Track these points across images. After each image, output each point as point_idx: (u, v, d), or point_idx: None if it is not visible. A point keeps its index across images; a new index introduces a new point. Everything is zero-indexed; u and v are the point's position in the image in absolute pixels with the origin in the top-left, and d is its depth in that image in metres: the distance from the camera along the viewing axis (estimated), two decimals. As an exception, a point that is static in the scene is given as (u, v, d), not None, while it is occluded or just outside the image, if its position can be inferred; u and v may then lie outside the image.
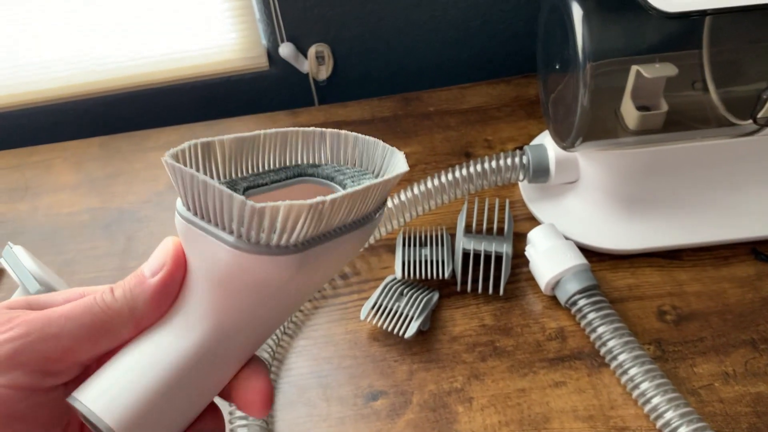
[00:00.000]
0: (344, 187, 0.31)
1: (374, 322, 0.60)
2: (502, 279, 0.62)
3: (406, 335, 0.58)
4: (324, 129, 0.33)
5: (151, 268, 0.28)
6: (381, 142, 0.32)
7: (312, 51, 0.88)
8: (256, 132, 0.30)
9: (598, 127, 0.59)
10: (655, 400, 0.52)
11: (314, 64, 0.89)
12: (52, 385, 0.27)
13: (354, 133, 0.33)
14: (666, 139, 0.59)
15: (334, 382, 0.59)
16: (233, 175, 0.30)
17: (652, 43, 0.61)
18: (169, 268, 0.28)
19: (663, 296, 0.62)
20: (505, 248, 0.62)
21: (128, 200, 0.79)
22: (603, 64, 0.55)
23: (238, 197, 0.24)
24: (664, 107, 0.59)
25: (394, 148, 0.32)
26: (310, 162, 0.33)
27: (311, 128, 0.33)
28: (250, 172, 0.31)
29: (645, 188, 0.64)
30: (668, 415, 0.51)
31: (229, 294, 0.27)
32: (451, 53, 0.93)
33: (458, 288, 0.64)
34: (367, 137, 0.32)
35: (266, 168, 0.32)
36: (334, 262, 0.29)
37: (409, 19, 0.88)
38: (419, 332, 0.61)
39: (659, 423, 0.52)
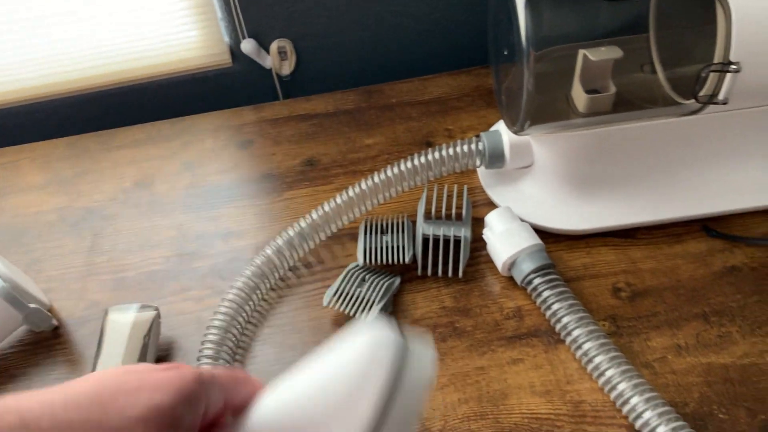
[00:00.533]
0: None
1: (337, 307, 0.62)
2: (461, 262, 0.64)
3: (368, 319, 0.60)
4: None
5: None
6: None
7: (274, 46, 0.89)
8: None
9: (547, 110, 0.61)
10: (609, 373, 0.54)
11: (277, 59, 0.90)
12: None
13: None
14: (614, 120, 0.61)
15: (298, 368, 0.60)
16: None
17: (601, 28, 0.63)
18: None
19: (618, 274, 0.64)
20: (464, 232, 0.64)
21: (95, 198, 0.80)
22: (547, 50, 0.57)
23: None
24: (612, 89, 0.60)
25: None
26: None
27: None
28: None
29: (598, 170, 0.66)
30: (621, 387, 0.53)
31: None
32: (413, 46, 0.95)
33: (419, 272, 0.65)
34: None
35: None
36: None
37: (370, 12, 0.90)
38: (381, 316, 0.62)
39: (613, 395, 0.54)
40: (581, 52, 0.59)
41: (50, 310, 0.67)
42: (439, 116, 0.84)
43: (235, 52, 0.91)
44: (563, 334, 0.57)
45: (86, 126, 0.90)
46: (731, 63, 0.53)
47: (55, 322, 0.65)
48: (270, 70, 0.92)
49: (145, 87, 0.93)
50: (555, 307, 0.58)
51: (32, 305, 0.62)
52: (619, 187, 0.67)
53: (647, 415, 0.51)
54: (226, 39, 0.89)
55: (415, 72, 0.92)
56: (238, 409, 0.29)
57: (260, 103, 0.89)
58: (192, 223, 0.75)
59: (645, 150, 0.65)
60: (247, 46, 0.88)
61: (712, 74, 0.55)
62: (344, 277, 0.63)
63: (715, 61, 0.54)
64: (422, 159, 0.67)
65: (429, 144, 0.81)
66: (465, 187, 0.68)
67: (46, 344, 0.65)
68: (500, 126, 0.70)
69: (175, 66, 0.91)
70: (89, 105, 0.94)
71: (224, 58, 0.91)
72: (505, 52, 0.61)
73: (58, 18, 0.85)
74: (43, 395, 0.25)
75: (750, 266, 0.63)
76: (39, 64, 0.89)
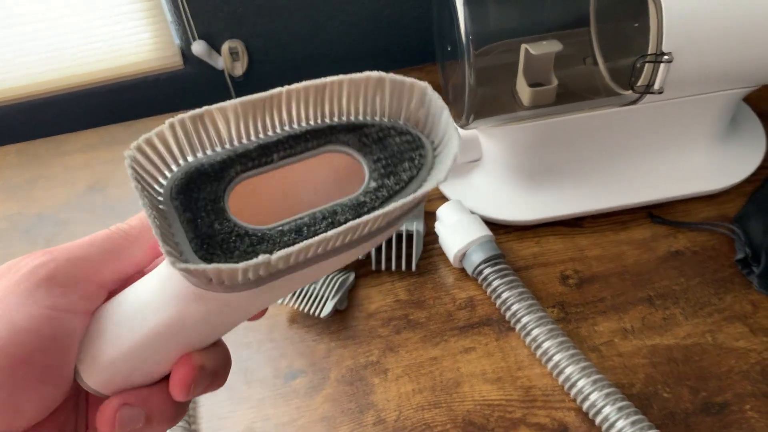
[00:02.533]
0: (372, 170, 0.27)
1: (292, 304, 0.62)
2: (413, 256, 0.65)
3: (323, 315, 0.60)
4: (383, 74, 0.27)
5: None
6: (447, 110, 0.27)
7: (225, 47, 0.89)
8: (276, 90, 0.27)
9: (491, 104, 0.62)
10: (557, 357, 0.55)
11: (228, 60, 0.91)
12: (85, 310, 0.28)
13: (423, 84, 0.28)
14: (558, 112, 0.62)
15: (254, 366, 0.61)
16: (235, 143, 0.28)
17: (543, 23, 0.64)
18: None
19: (565, 262, 0.66)
20: (416, 226, 0.65)
21: (47, 204, 0.79)
22: (488, 46, 0.58)
23: (175, 268, 0.23)
24: (555, 82, 0.62)
25: (456, 127, 0.27)
26: (355, 119, 0.29)
27: (365, 74, 0.27)
28: (260, 137, 0.28)
29: (544, 161, 0.68)
30: (568, 371, 0.54)
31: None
32: (365, 44, 0.96)
33: (373, 267, 0.66)
34: (437, 97, 0.27)
35: (290, 128, 0.28)
36: (312, 277, 0.27)
37: (319, 10, 0.90)
38: (336, 312, 0.63)
39: (561, 379, 0.55)
40: (523, 46, 0.61)
41: (2, 317, 0.66)
42: (391, 113, 0.85)
43: (186, 54, 0.91)
44: (513, 321, 0.59)
45: (36, 132, 0.89)
46: (664, 54, 0.55)
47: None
48: (222, 72, 0.93)
49: (97, 91, 0.93)
50: (505, 295, 0.59)
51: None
52: (565, 178, 0.69)
53: (593, 396, 0.52)
54: (177, 41, 0.89)
55: (367, 69, 0.93)
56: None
57: (213, 105, 0.89)
58: (146, 226, 0.75)
59: (589, 140, 0.67)
60: (198, 47, 0.88)
61: (647, 65, 0.57)
62: (298, 274, 0.64)
63: (649, 52, 0.56)
64: (373, 155, 0.68)
65: (382, 140, 0.82)
66: (416, 182, 0.69)
67: None
68: (450, 121, 0.71)
69: (127, 69, 0.90)
70: (39, 111, 0.93)
71: (175, 61, 0.90)
72: (449, 48, 0.62)
73: (4, 22, 0.84)
74: None
75: (692, 250, 0.66)
76: (-14, 70, 0.88)
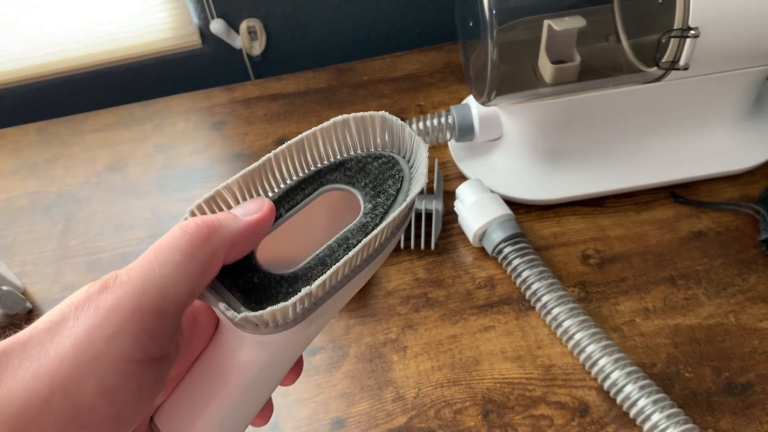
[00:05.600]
0: (364, 195, 0.32)
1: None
2: (432, 234, 0.64)
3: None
4: (346, 116, 0.32)
5: (245, 211, 0.29)
6: (407, 126, 0.32)
7: (243, 26, 0.89)
8: (265, 157, 0.30)
9: (513, 80, 0.61)
10: (578, 336, 0.55)
11: (247, 39, 0.90)
12: (169, 354, 0.26)
13: (380, 113, 0.32)
14: (580, 89, 0.62)
15: (273, 342, 0.61)
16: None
17: (567, 0, 0.63)
18: (264, 213, 0.29)
19: (587, 242, 0.65)
20: (435, 205, 0.65)
21: (67, 183, 0.79)
22: (511, 22, 0.57)
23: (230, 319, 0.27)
24: (578, 59, 0.61)
25: (420, 138, 0.32)
26: (335, 159, 0.33)
27: (331, 121, 0.32)
28: (268, 194, 0.32)
29: (565, 140, 0.67)
30: (589, 349, 0.54)
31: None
32: (384, 23, 0.95)
33: (392, 246, 0.66)
34: (395, 120, 0.32)
35: (285, 184, 0.32)
36: (345, 299, 0.31)
37: (339, -10, 0.90)
38: (355, 290, 0.63)
39: (582, 357, 0.55)
40: (546, 22, 0.60)
41: (24, 293, 0.67)
42: (410, 93, 0.85)
43: (204, 33, 0.90)
44: (533, 300, 0.58)
45: (56, 111, 0.89)
46: (690, 29, 0.54)
47: (29, 305, 0.65)
48: (240, 51, 0.92)
49: (115, 70, 0.93)
50: (525, 274, 0.59)
51: (5, 288, 0.62)
52: (586, 157, 0.68)
53: (615, 375, 0.52)
54: (195, 20, 0.89)
55: (386, 49, 0.92)
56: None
57: (231, 84, 0.89)
58: (166, 204, 0.75)
59: (612, 119, 0.66)
60: (216, 26, 0.87)
61: (672, 40, 0.56)
62: (317, 252, 0.64)
63: (675, 27, 0.55)
64: (393, 134, 0.68)
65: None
66: (436, 161, 0.69)
67: (20, 327, 0.65)
68: (470, 100, 0.71)
69: (145, 48, 0.90)
70: (59, 90, 0.93)
71: (194, 40, 0.90)
72: (471, 24, 0.62)
73: (24, 3, 0.84)
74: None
75: (715, 230, 0.65)
76: (5, 49, 0.88)
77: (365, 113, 0.32)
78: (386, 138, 0.33)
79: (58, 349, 0.24)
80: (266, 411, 0.33)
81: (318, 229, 0.31)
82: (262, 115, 0.84)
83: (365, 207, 0.31)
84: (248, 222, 0.29)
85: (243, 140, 0.81)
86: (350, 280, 0.29)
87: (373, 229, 0.30)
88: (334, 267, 0.27)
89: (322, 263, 0.30)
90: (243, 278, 0.29)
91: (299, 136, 0.31)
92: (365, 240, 0.29)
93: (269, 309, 0.26)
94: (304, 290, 0.26)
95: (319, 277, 0.27)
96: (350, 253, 0.28)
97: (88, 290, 0.25)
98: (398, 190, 0.32)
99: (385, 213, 0.31)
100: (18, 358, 0.24)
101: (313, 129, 0.32)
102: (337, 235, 0.30)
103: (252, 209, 0.29)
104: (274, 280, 0.29)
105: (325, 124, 0.32)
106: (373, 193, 0.32)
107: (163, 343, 0.25)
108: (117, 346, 0.24)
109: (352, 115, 0.32)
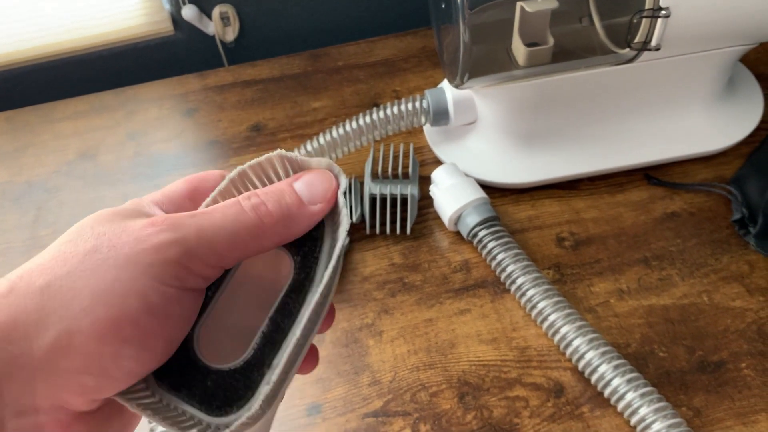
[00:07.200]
0: (289, 248, 0.29)
1: (286, 268, 0.62)
2: (408, 219, 0.64)
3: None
4: (242, 166, 0.30)
5: (312, 195, 0.28)
6: (311, 159, 0.30)
7: (216, 12, 0.88)
8: None
9: (486, 63, 0.61)
10: (552, 317, 0.55)
11: (219, 25, 0.89)
12: (199, 288, 0.28)
13: (277, 153, 0.30)
14: (553, 71, 0.61)
15: (248, 329, 0.60)
16: None
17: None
18: (329, 204, 0.29)
19: (562, 224, 0.65)
20: (410, 190, 0.64)
21: (37, 172, 0.78)
22: (483, 3, 0.57)
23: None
24: (551, 41, 0.61)
25: (329, 161, 0.30)
26: None
27: (227, 179, 0.30)
28: None
29: (539, 122, 0.67)
30: (564, 330, 0.54)
31: None
32: (359, 8, 0.94)
33: (368, 231, 0.65)
34: (292, 155, 0.30)
35: None
36: (303, 354, 0.30)
37: (312, -25, 0.89)
38: (331, 275, 0.62)
39: (556, 338, 0.55)
40: (519, 4, 0.59)
41: (-6, 284, 0.66)
42: (386, 78, 0.84)
43: (176, 19, 0.89)
44: (508, 283, 0.58)
45: (25, 100, 0.87)
46: (661, 8, 0.54)
47: (-1, 295, 0.64)
48: (213, 37, 0.91)
49: (86, 58, 0.91)
50: (500, 257, 0.59)
51: (-27, 279, 0.60)
52: (561, 140, 0.68)
53: (589, 355, 0.52)
54: (167, 6, 0.88)
55: (361, 34, 0.92)
56: None
57: (205, 71, 0.88)
58: (138, 192, 0.74)
59: (586, 101, 0.66)
60: (189, 12, 0.86)
61: (644, 21, 0.56)
62: (292, 238, 0.63)
63: (647, 7, 0.55)
64: (367, 119, 0.67)
65: (376, 106, 0.80)
66: (411, 145, 0.69)
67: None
68: (445, 84, 0.70)
69: (116, 36, 0.89)
70: (27, 78, 0.92)
71: (166, 26, 0.89)
72: (443, 7, 0.61)
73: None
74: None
75: (689, 211, 0.65)
76: (-27, 37, 0.86)
77: (261, 158, 0.29)
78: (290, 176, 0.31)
79: (97, 266, 0.25)
80: None
81: (252, 302, 0.30)
82: (235, 102, 0.83)
83: (294, 261, 0.29)
84: (313, 216, 0.28)
85: (216, 127, 0.80)
86: (304, 347, 0.29)
87: (310, 285, 0.29)
88: (287, 349, 0.27)
89: (270, 342, 0.28)
90: (197, 387, 0.28)
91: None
92: (312, 305, 0.27)
93: (238, 422, 0.26)
94: (265, 388, 0.26)
95: (272, 362, 0.27)
96: (298, 330, 0.27)
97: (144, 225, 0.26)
98: (322, 232, 0.30)
99: (317, 261, 0.29)
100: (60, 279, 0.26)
101: (212, 194, 0.29)
102: (276, 304, 0.29)
103: (317, 196, 0.28)
104: (228, 376, 0.28)
105: (222, 184, 0.29)
106: (298, 243, 0.29)
107: (198, 280, 0.27)
108: (157, 270, 0.25)
109: (248, 163, 0.29)
